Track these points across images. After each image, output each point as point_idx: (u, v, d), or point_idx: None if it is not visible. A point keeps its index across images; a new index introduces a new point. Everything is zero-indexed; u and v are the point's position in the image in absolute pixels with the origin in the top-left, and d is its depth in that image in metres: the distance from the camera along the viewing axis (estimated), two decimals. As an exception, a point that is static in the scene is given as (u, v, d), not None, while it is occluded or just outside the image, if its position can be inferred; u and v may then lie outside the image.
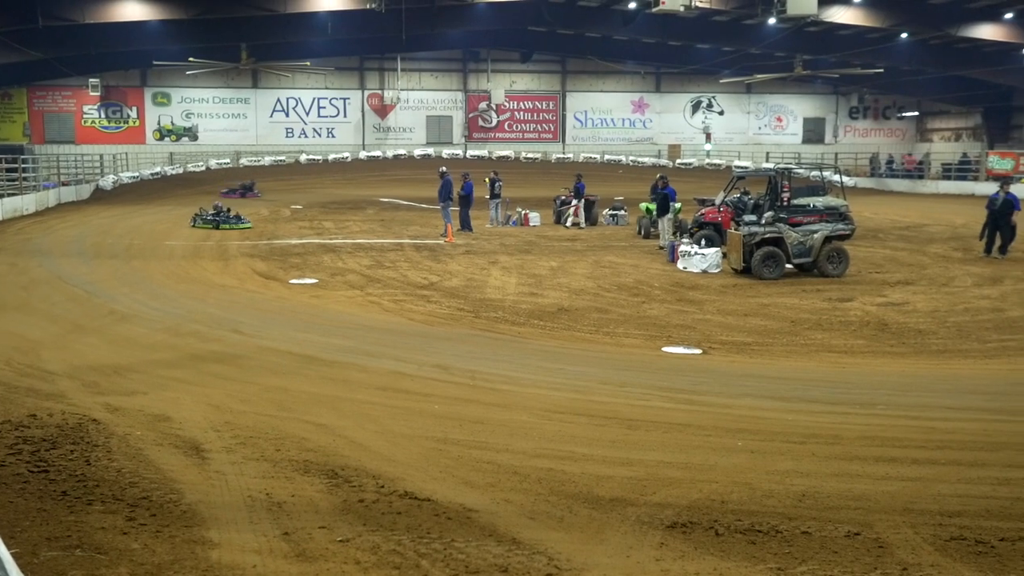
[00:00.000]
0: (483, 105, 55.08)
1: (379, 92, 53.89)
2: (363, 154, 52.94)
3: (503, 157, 51.94)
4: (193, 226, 24.73)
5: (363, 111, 53.88)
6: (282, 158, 51.34)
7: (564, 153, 55.13)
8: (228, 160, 50.39)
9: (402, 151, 53.28)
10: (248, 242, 21.86)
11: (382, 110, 54.12)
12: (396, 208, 32.86)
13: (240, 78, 49.80)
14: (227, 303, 13.90)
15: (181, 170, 48.13)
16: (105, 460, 5.88)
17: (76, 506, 5.06)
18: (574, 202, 26.52)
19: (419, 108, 54.57)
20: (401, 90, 53.63)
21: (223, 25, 37.51)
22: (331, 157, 51.84)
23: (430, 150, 53.42)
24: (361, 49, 49.69)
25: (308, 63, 45.85)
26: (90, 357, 9.66)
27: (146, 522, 4.85)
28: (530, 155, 53.43)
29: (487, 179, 27.30)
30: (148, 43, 38.54)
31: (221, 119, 51.91)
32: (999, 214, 19.22)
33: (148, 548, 4.52)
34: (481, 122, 55.48)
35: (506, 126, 55.79)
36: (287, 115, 53.02)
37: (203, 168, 48.92)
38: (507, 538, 4.66)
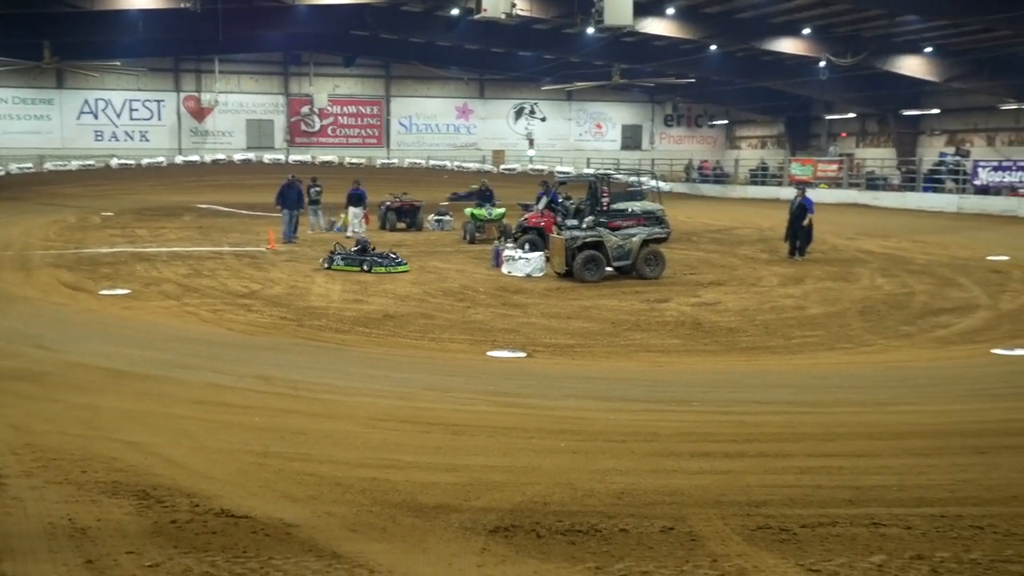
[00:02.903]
0: (305, 109, 54.18)
1: (195, 94, 52.12)
2: (179, 158, 51.05)
3: (327, 162, 51.23)
4: (328, 267, 18.47)
5: (179, 114, 51.97)
6: (91, 162, 48.85)
7: (389, 158, 54.91)
8: (31, 164, 47.46)
9: (221, 156, 51.72)
10: (53, 251, 20.64)
11: (199, 113, 52.35)
12: (215, 215, 31.82)
13: (43, 77, 46.92)
14: (30, 316, 13.05)
15: (-23, 175, 45.01)
16: None
17: None
18: (352, 210, 25.27)
19: (239, 111, 53.12)
20: (219, 93, 52.03)
21: (23, 21, 35.20)
22: (145, 162, 49.74)
23: (251, 155, 52.09)
24: (176, 49, 47.84)
25: (118, 63, 43.69)
26: None
27: (-68, 558, 4.48)
28: (354, 160, 52.86)
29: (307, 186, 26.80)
30: (-63, 39, 35.84)
31: (22, 120, 48.85)
32: (794, 217, 20.43)
33: (-67, 586, 4.17)
34: (304, 126, 54.55)
35: (329, 131, 55.07)
36: (96, 117, 50.49)
37: (2, 173, 45.86)
38: (327, 552, 4.56)
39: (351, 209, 25.21)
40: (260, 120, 53.75)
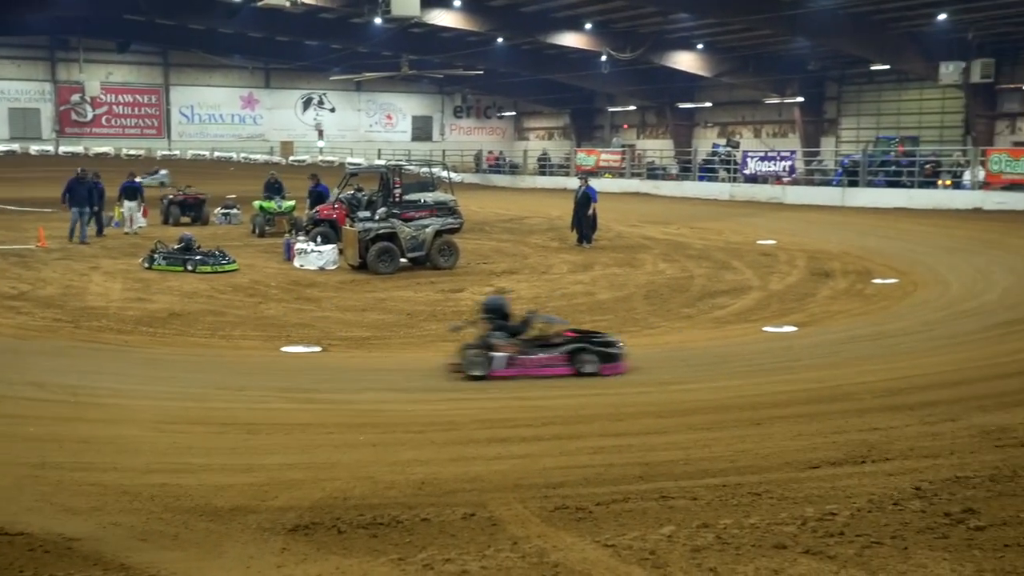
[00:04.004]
0: (76, 97, 51.00)
1: (-52, 80, 48.00)
2: (-69, 150, 46.86)
3: (102, 154, 48.31)
4: (149, 267, 17.12)
5: (-71, 101, 47.69)
6: None
7: (171, 150, 52.54)
8: None
9: (-20, 147, 47.88)
10: None
11: (-47, 101, 48.25)
12: (-25, 211, 29.39)
13: None
14: None
15: None
16: None
17: None
18: (126, 203, 23.70)
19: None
20: (-25, 79, 48.13)
21: None
22: None
23: (15, 146, 48.57)
24: (-78, 31, 43.89)
25: None
26: None
27: None
28: (133, 152, 50.19)
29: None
30: None
31: None
32: (579, 206, 21.12)
33: None
34: (75, 116, 51.34)
35: (104, 120, 52.09)
36: None
37: None
38: (114, 565, 4.32)
39: (126, 203, 23.83)
40: (24, 109, 50.11)
